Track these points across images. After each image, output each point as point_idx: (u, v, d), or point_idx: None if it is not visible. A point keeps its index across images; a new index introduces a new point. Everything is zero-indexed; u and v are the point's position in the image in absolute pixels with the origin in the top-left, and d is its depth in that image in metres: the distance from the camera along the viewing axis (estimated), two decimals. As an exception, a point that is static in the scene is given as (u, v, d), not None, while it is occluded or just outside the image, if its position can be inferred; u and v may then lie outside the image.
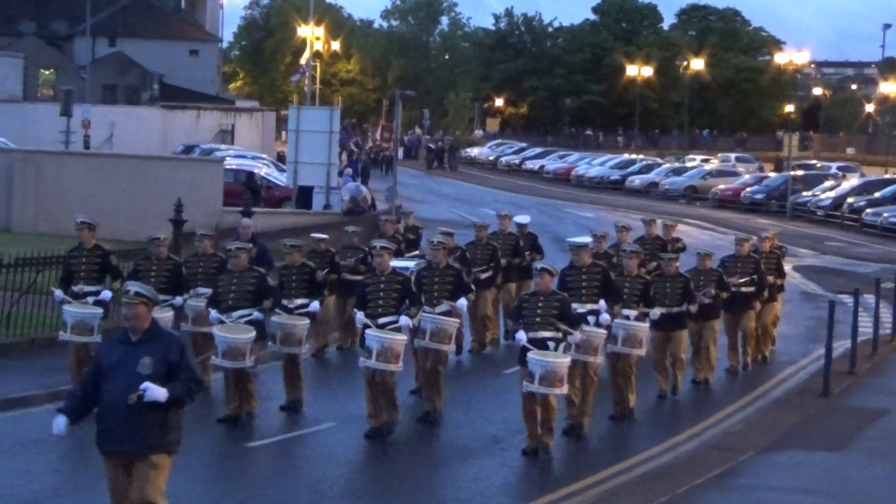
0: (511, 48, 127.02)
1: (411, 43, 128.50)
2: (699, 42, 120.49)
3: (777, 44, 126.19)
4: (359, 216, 40.24)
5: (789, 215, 59.23)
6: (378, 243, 19.69)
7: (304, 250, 21.25)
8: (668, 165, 79.31)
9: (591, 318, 18.31)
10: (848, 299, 24.68)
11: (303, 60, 79.24)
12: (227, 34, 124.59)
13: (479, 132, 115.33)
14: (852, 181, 63.82)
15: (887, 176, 69.18)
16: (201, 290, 19.66)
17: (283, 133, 64.24)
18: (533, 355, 16.62)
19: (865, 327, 25.77)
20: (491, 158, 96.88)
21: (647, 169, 77.82)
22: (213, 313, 18.34)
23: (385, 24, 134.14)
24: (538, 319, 16.98)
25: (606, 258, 22.85)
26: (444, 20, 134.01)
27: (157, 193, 37.07)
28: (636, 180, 75.22)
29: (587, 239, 20.84)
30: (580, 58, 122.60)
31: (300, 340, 19.27)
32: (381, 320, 17.73)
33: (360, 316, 17.90)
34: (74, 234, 19.34)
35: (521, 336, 17.05)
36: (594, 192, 74.27)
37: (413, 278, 18.97)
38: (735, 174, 74.05)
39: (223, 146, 62.56)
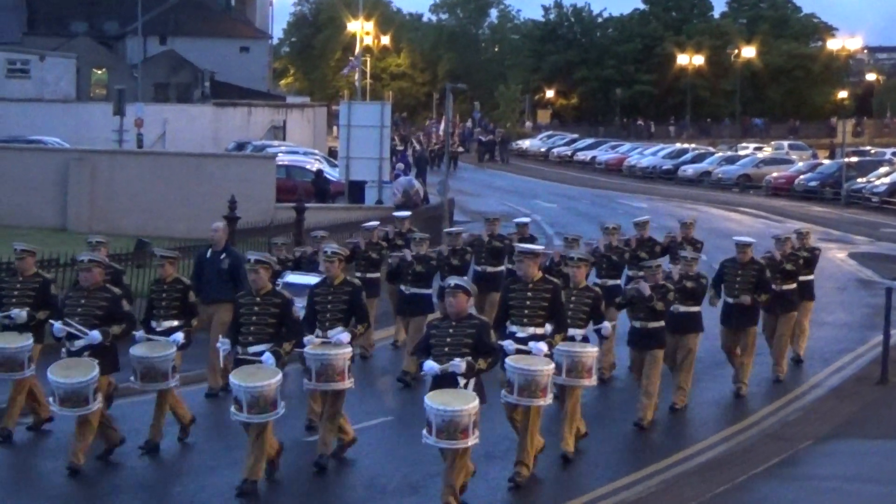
0: (561, 39, 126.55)
1: (461, 36, 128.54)
2: (750, 30, 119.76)
3: (829, 30, 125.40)
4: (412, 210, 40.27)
5: (844, 202, 58.77)
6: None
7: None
8: (720, 154, 78.71)
9: (535, 345, 14.99)
10: (905, 286, 24.38)
11: (354, 62, 79.28)
12: (277, 31, 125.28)
13: (528, 124, 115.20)
14: (907, 167, 63.20)
15: (943, 161, 68.32)
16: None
17: (335, 128, 64.23)
18: (432, 401, 13.47)
19: (923, 314, 25.55)
20: (542, 150, 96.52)
21: (700, 158, 77.25)
22: (57, 326, 15.34)
23: (434, 18, 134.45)
24: (446, 350, 13.88)
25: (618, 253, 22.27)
26: (493, 12, 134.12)
27: (210, 190, 37.23)
28: (689, 170, 74.73)
29: (538, 247, 17.66)
30: (630, 48, 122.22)
31: (165, 374, 15.95)
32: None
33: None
34: (129, 233, 19.35)
35: (431, 367, 13.89)
36: (646, 182, 73.88)
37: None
38: (788, 162, 73.44)
39: (275, 142, 62.72)
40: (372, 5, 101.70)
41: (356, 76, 78.48)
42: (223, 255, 19.77)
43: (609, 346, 20.40)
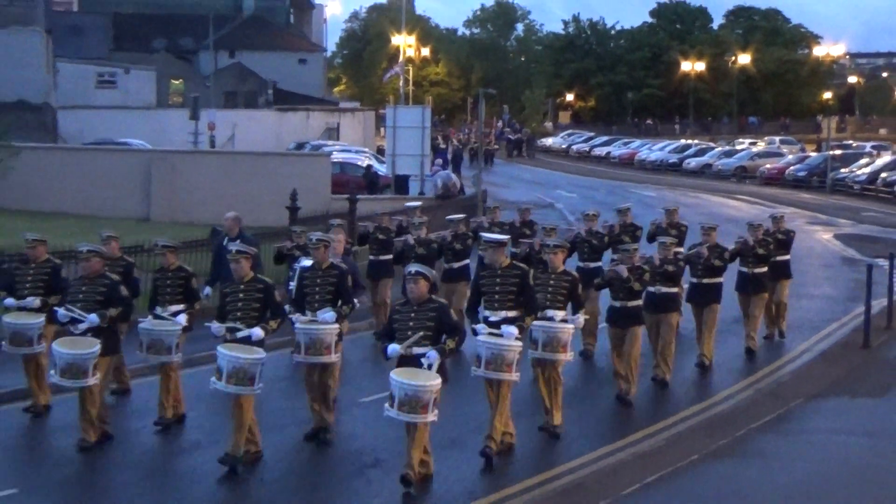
0: (579, 49, 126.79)
1: (491, 47, 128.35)
2: (745, 39, 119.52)
3: (815, 38, 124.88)
4: (450, 200, 40.30)
5: (829, 190, 58.55)
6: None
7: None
8: (719, 149, 78.65)
9: (506, 329, 13.96)
10: (884, 263, 24.37)
11: (396, 69, 79.29)
12: (331, 44, 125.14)
13: (550, 124, 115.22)
14: (885, 158, 62.85)
15: (917, 153, 68.04)
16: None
17: (382, 129, 64.32)
18: (396, 376, 12.65)
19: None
20: (563, 147, 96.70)
21: (702, 152, 77.30)
22: (60, 312, 14.66)
23: (467, 32, 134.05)
24: (410, 333, 13.02)
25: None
26: (519, 26, 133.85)
27: (273, 185, 37.24)
28: (692, 162, 74.71)
29: (503, 237, 15.85)
30: (640, 56, 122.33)
31: (169, 348, 15.39)
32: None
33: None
34: (203, 222, 18.90)
35: (394, 349, 13.05)
36: (655, 173, 73.84)
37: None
38: (780, 155, 73.29)
39: (330, 142, 62.81)
40: (413, 21, 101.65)
41: (400, 83, 78.43)
42: (237, 242, 18.77)
43: (593, 324, 19.67)
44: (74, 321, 14.33)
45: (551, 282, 15.38)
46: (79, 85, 72.06)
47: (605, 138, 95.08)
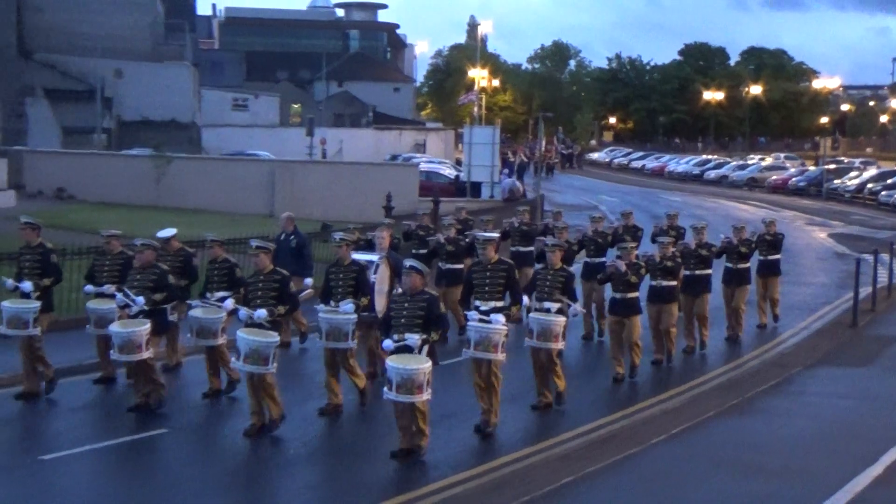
0: (620, 81, 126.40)
1: (548, 79, 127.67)
2: (756, 73, 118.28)
3: (814, 73, 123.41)
4: (515, 202, 40.26)
5: (824, 197, 57.78)
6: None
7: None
8: (734, 163, 77.96)
9: (495, 317, 13.09)
10: (869, 257, 24.12)
11: (472, 96, 79.28)
12: (419, 76, 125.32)
13: (594, 142, 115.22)
14: (871, 172, 61.96)
15: (897, 167, 67.01)
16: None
17: (460, 145, 64.32)
18: (392, 362, 11.79)
19: (882, 278, 25.15)
20: (606, 160, 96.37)
21: (719, 166, 76.62)
22: (119, 296, 14.23)
23: (530, 66, 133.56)
24: (403, 321, 12.13)
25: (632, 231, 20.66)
26: (572, 62, 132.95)
27: (372, 189, 37.40)
28: (711, 174, 74.09)
29: (494, 234, 15.36)
30: (670, 87, 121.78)
31: (215, 333, 14.58)
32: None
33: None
34: (316, 218, 18.48)
35: (388, 345, 12.17)
36: (681, 182, 73.37)
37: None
38: (784, 168, 72.53)
39: (418, 155, 62.96)
40: (486, 58, 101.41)
41: (475, 107, 78.43)
42: (292, 237, 18.60)
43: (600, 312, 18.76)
44: (128, 304, 13.81)
45: (549, 277, 14.47)
46: (218, 108, 72.87)
47: (640, 153, 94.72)
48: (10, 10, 56.75)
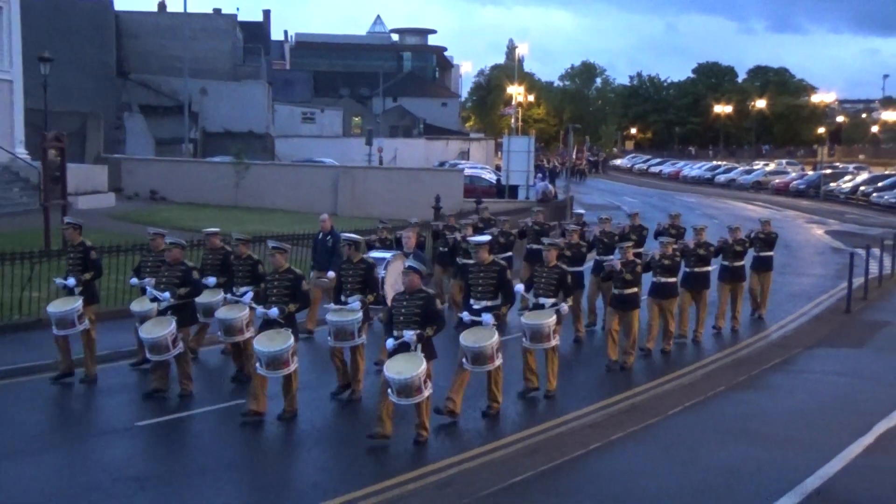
0: (640, 96, 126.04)
1: (577, 95, 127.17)
2: (762, 89, 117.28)
3: (813, 88, 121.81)
4: (547, 203, 40.10)
5: (822, 198, 57.24)
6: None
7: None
8: (741, 168, 77.51)
9: (485, 316, 12.28)
10: (861, 252, 23.71)
11: (510, 110, 79.15)
12: (464, 92, 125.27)
13: (618, 150, 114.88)
14: (863, 176, 61.35)
15: (887, 172, 65.99)
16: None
17: (499, 153, 64.24)
18: (388, 372, 11.08)
19: (874, 270, 24.79)
20: (628, 166, 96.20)
21: (728, 170, 76.20)
22: (149, 291, 13.66)
23: (561, 84, 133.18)
24: (402, 318, 11.42)
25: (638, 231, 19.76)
26: (598, 80, 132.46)
27: (423, 191, 37.46)
28: (721, 178, 73.54)
29: (486, 238, 13.96)
30: (684, 101, 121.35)
31: (241, 329, 13.86)
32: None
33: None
34: (373, 216, 18.11)
35: (389, 342, 11.57)
36: (694, 185, 72.93)
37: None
38: (786, 173, 71.90)
39: (462, 161, 62.92)
40: (522, 76, 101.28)
41: (512, 120, 78.27)
42: (329, 237, 17.70)
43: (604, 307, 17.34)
44: (157, 298, 13.21)
45: (545, 274, 13.62)
46: (289, 120, 73.23)
47: (658, 160, 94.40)
48: (111, 36, 57.58)
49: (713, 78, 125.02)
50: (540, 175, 54.47)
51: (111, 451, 11.08)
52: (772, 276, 20.58)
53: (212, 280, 14.88)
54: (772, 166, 80.00)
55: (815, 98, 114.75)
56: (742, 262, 19.18)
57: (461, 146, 75.44)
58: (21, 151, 35.30)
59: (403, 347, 11.36)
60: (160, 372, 13.15)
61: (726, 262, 19.07)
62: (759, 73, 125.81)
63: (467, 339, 12.02)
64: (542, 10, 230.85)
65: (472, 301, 12.60)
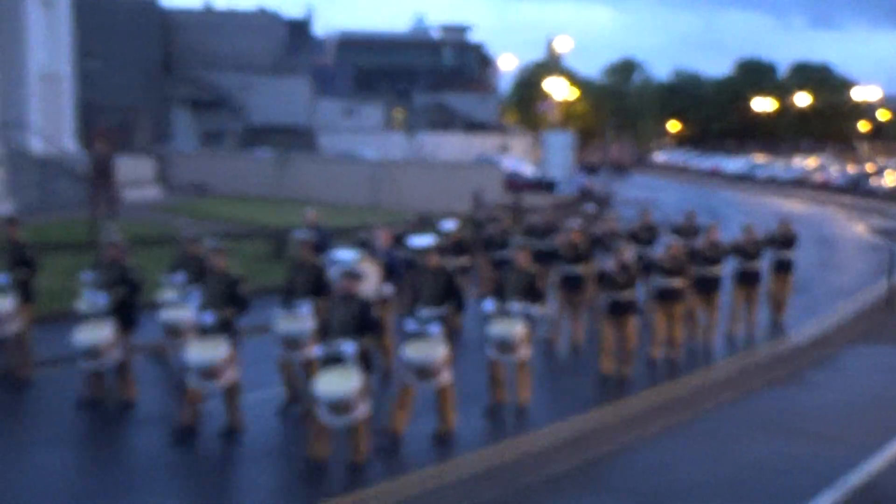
0: (680, 92, 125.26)
1: (617, 91, 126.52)
2: (802, 85, 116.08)
3: (854, 84, 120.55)
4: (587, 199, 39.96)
5: (863, 195, 56.51)
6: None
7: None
8: (782, 164, 76.60)
9: (431, 325, 10.85)
10: (903, 248, 23.51)
11: (547, 105, 78.91)
12: (504, 87, 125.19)
13: (657, 146, 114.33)
14: (905, 172, 60.55)
15: (929, 168, 65.11)
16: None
17: (539, 148, 64.00)
18: (321, 387, 9.62)
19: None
20: (668, 161, 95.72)
21: (768, 166, 75.38)
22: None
23: (601, 80, 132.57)
24: (336, 328, 9.97)
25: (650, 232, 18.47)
26: (638, 76, 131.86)
27: (462, 185, 37.35)
28: (761, 174, 72.85)
29: (430, 240, 12.53)
30: (724, 97, 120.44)
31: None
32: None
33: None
34: (413, 209, 17.52)
35: (316, 350, 10.34)
36: (732, 181, 72.23)
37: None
38: (826, 169, 70.99)
39: (502, 156, 62.78)
40: (561, 72, 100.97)
41: (551, 116, 78.02)
42: (316, 232, 15.85)
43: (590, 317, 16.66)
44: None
45: (513, 278, 12.22)
46: (331, 115, 73.41)
47: (696, 155, 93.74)
48: (158, 33, 58.15)
49: (754, 74, 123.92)
50: (579, 170, 54.32)
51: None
52: (792, 279, 19.20)
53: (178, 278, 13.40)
54: (812, 162, 79.10)
55: (857, 93, 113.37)
56: (757, 264, 17.63)
57: (500, 141, 75.28)
58: (70, 145, 35.75)
59: (336, 359, 9.93)
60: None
61: (739, 264, 17.56)
62: (799, 69, 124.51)
63: (411, 350, 10.47)
64: (580, 6, 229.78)
65: (419, 308, 11.14)
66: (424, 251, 11.60)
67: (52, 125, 34.72)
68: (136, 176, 36.41)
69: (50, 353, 13.94)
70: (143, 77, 55.31)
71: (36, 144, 33.03)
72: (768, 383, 14.30)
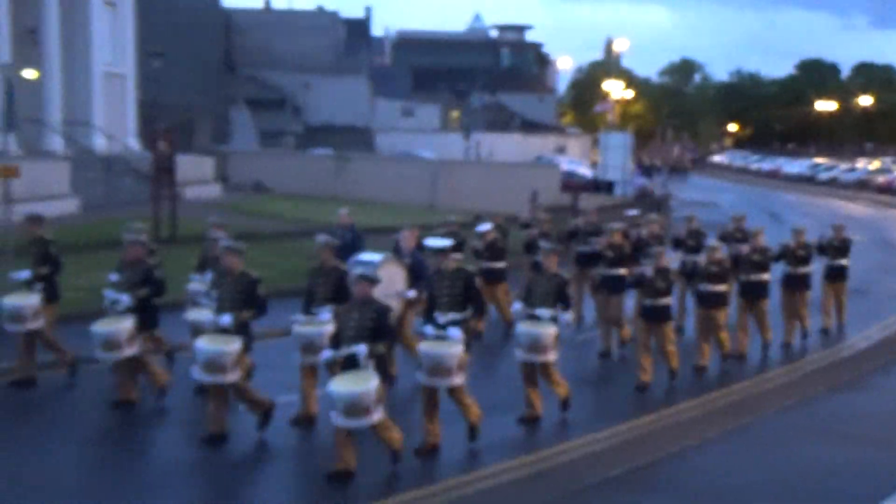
0: (740, 93, 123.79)
1: (675, 91, 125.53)
2: (866, 86, 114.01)
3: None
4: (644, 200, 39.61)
5: (926, 198, 55.53)
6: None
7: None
8: (844, 166, 75.24)
9: (451, 330, 10.42)
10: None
11: (605, 106, 78.48)
12: (561, 88, 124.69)
13: (717, 147, 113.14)
14: (971, 175, 59.18)
15: None
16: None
17: (596, 149, 63.61)
18: (335, 388, 9.32)
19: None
20: (727, 162, 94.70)
21: (829, 168, 74.07)
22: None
23: (659, 80, 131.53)
24: (351, 333, 9.60)
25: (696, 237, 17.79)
26: (697, 76, 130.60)
27: (519, 185, 37.23)
28: (823, 176, 71.64)
29: (447, 242, 11.84)
30: (785, 98, 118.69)
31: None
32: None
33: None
34: (470, 209, 16.74)
35: (325, 354, 9.90)
36: (794, 183, 71.02)
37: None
38: (890, 171, 69.57)
39: (560, 157, 62.50)
40: (620, 72, 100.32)
41: (609, 116, 77.51)
42: (349, 233, 15.96)
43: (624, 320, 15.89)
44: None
45: (543, 283, 11.80)
46: (389, 115, 73.68)
47: (757, 157, 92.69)
48: (219, 32, 58.87)
49: (815, 75, 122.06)
50: (638, 171, 53.87)
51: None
52: (847, 286, 18.37)
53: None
54: (875, 164, 77.58)
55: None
56: (808, 269, 16.92)
57: (558, 142, 74.98)
58: (133, 143, 36.32)
59: (350, 364, 9.65)
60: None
61: (789, 269, 16.84)
62: (863, 69, 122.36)
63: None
64: (635, 6, 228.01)
65: (436, 314, 10.68)
66: (440, 252, 11.14)
67: (115, 124, 35.33)
68: (196, 174, 36.87)
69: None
70: (204, 76, 56.02)
71: (100, 143, 33.66)
72: (829, 389, 14.03)
